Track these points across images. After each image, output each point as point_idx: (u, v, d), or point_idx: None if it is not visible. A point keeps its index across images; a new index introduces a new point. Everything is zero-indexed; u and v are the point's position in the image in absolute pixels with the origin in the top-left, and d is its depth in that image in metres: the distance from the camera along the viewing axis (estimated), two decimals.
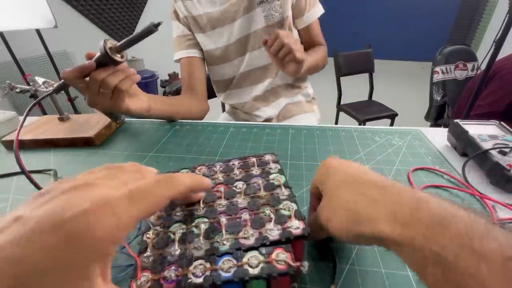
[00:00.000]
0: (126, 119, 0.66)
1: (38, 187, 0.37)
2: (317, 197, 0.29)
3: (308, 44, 0.81)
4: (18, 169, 0.48)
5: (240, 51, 0.76)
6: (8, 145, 0.55)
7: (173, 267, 0.22)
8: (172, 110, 0.64)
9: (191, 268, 0.21)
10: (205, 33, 0.74)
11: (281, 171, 0.31)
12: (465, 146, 0.46)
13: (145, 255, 0.23)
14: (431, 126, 1.57)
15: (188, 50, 0.76)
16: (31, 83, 0.54)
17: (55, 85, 0.44)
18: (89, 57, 0.41)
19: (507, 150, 0.40)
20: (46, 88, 0.56)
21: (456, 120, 0.49)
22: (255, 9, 0.70)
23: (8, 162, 0.51)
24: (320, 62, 0.77)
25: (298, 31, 0.80)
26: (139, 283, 0.21)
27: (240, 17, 0.71)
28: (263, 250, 0.22)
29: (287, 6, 0.71)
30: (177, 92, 2.57)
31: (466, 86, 1.37)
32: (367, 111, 1.76)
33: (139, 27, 2.37)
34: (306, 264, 0.21)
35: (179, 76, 2.68)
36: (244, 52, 0.76)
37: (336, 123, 1.95)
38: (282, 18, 0.72)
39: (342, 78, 1.81)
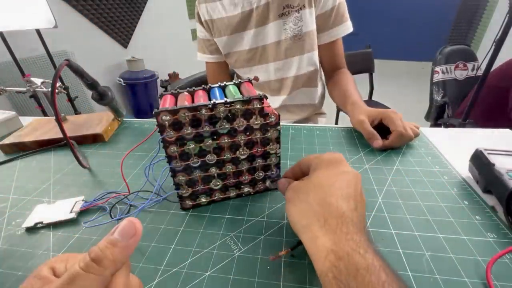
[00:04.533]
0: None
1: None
2: (301, 170, 0.32)
3: (328, 64, 0.76)
4: (18, 168, 0.48)
5: (255, 60, 0.76)
6: (5, 148, 0.54)
7: None
8: None
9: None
10: (225, 36, 0.73)
11: None
12: (489, 183, 0.36)
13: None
14: (431, 126, 1.57)
15: (213, 56, 0.78)
16: (27, 85, 0.54)
17: None
18: None
19: None
20: (46, 88, 0.55)
21: (479, 148, 0.39)
22: (276, 21, 0.67)
23: (7, 165, 0.51)
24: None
25: (319, 46, 0.73)
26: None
27: (259, 26, 0.69)
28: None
29: (307, 19, 0.65)
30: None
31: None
32: None
33: (139, 27, 2.38)
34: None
35: (179, 77, 2.68)
36: (260, 62, 0.75)
37: (336, 123, 1.95)
38: (301, 32, 0.67)
39: None
